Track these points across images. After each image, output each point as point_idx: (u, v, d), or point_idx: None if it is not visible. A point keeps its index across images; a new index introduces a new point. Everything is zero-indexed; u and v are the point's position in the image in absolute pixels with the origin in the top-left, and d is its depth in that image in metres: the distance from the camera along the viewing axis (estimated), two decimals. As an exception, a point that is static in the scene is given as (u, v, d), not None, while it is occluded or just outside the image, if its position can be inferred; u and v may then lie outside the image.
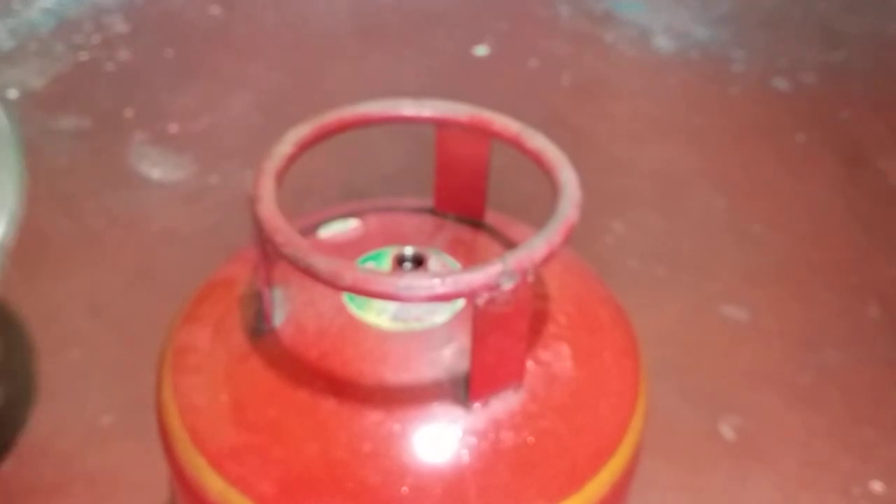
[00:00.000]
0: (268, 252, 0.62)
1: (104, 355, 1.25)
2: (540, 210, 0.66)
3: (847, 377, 1.29)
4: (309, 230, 0.73)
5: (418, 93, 0.74)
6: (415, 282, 0.57)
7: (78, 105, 1.69)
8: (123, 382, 1.20)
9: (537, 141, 0.68)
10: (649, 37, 1.99)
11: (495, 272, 0.57)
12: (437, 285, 0.56)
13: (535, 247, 0.59)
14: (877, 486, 1.15)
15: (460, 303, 0.66)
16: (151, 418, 0.71)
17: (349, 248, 0.71)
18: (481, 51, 1.92)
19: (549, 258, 0.59)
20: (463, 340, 0.63)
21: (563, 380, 0.65)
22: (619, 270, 1.41)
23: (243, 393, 0.64)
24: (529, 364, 0.64)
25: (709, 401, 1.24)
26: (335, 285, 0.57)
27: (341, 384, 0.62)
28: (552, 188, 0.65)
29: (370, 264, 0.69)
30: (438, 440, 0.61)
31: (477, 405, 0.62)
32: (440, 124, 0.71)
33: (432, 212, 0.76)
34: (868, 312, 1.39)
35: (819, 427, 1.22)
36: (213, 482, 0.62)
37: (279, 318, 0.66)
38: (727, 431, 1.21)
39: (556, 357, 0.65)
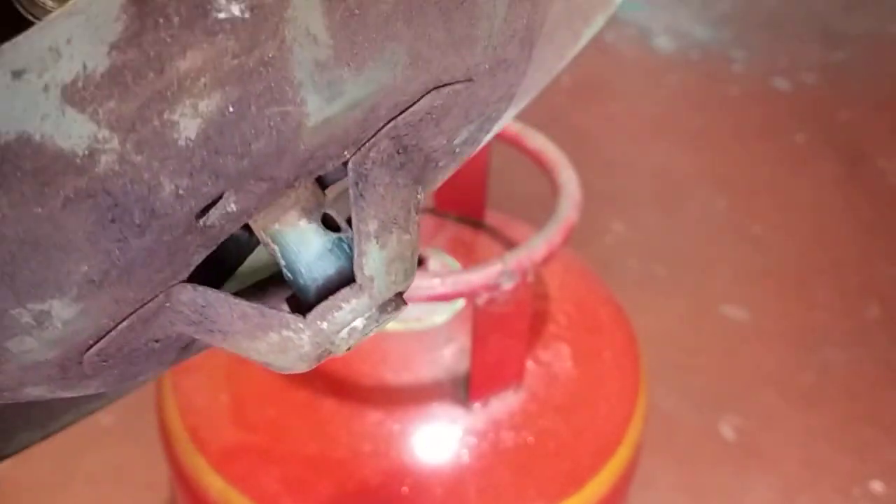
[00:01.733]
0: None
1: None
2: (540, 210, 0.66)
3: (847, 377, 1.29)
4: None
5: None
6: (415, 282, 0.57)
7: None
8: (123, 382, 1.20)
9: (537, 141, 0.68)
10: (649, 37, 1.99)
11: (495, 272, 0.57)
12: (437, 285, 0.56)
13: (535, 247, 0.59)
14: (877, 486, 1.15)
15: (460, 303, 0.66)
16: (151, 418, 0.71)
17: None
18: (481, 51, 1.92)
19: (549, 258, 0.59)
20: (463, 340, 0.63)
21: (563, 380, 0.65)
22: (619, 270, 1.41)
23: (243, 393, 0.64)
24: (529, 364, 0.64)
25: (709, 401, 1.24)
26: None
27: (341, 384, 0.62)
28: (552, 188, 0.65)
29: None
30: (438, 440, 0.61)
31: (477, 405, 0.62)
32: (440, 124, 0.71)
33: (432, 212, 0.76)
34: (868, 312, 1.39)
35: (819, 427, 1.22)
36: (213, 482, 0.62)
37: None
38: (727, 431, 1.21)
39: (556, 357, 0.66)
